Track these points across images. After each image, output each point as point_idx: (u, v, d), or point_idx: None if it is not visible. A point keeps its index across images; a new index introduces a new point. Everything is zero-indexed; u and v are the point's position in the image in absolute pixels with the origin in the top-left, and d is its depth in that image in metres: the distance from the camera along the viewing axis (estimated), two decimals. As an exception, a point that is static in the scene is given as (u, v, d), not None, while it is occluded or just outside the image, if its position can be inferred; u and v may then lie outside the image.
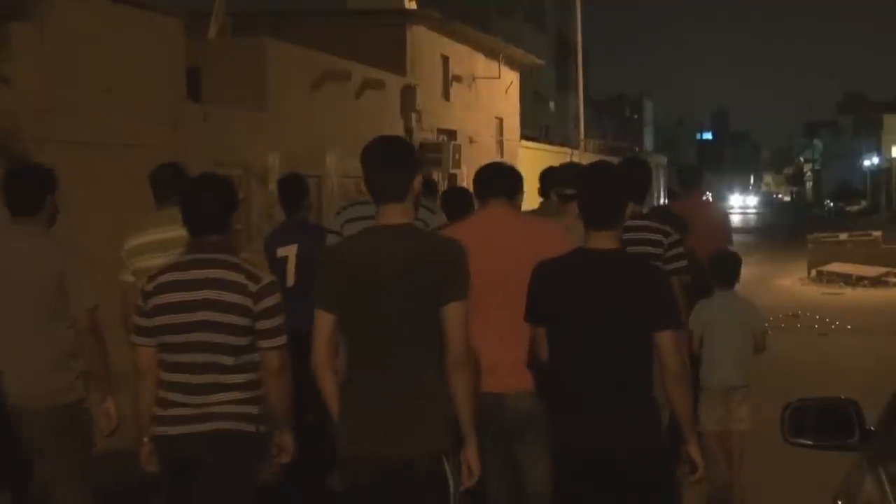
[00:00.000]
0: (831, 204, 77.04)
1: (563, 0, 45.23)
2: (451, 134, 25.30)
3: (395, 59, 22.33)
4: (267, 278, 4.59)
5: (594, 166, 4.87)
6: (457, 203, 7.38)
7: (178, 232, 5.11)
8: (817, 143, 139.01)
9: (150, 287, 4.56)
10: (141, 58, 12.55)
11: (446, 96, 25.85)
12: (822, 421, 3.69)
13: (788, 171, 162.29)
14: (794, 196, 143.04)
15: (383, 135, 4.68)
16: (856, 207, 73.04)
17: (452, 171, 23.77)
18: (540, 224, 5.67)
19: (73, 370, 5.36)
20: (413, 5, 24.44)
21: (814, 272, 24.71)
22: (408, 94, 22.02)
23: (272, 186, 13.92)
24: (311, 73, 17.95)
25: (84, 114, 11.33)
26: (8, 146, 9.97)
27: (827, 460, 4.05)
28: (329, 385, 4.28)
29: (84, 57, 11.44)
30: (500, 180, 5.42)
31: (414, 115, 22.13)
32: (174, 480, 4.61)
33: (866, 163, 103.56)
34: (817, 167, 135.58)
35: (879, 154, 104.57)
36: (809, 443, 3.74)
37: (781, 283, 24.28)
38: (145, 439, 4.66)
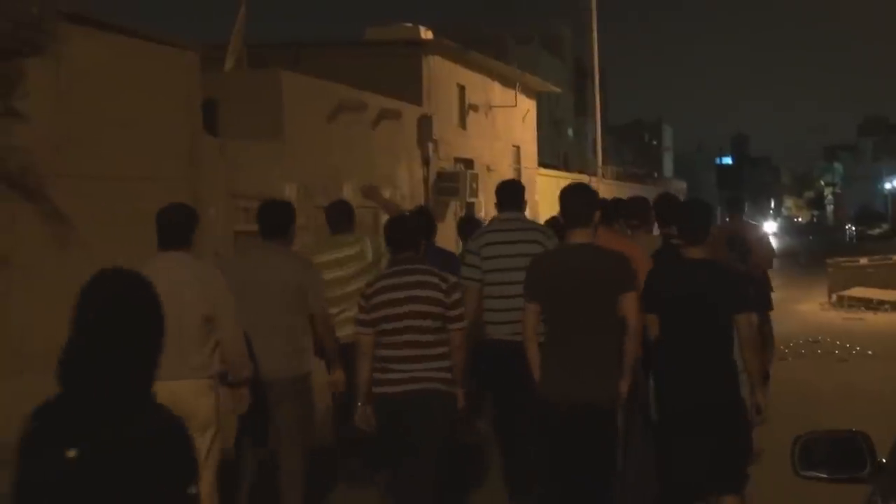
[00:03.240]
0: (853, 228, 76.21)
1: (581, 26, 45.27)
2: (469, 163, 25.29)
3: (411, 88, 22.36)
4: (452, 279, 6.35)
5: (692, 203, 7.60)
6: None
7: (345, 252, 8.01)
8: (837, 166, 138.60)
9: (370, 291, 6.29)
10: (157, 91, 12.59)
11: (463, 125, 25.86)
12: (834, 453, 3.66)
13: (809, 194, 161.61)
14: (814, 219, 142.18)
15: (573, 182, 7.13)
16: (877, 231, 72.37)
17: (470, 200, 23.64)
18: (631, 246, 7.40)
19: (306, 351, 7.08)
20: (429, 35, 24.46)
21: (834, 297, 24.54)
22: (424, 123, 22.01)
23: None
24: (327, 105, 17.98)
25: (100, 148, 11.35)
26: (24, 181, 9.99)
27: (842, 491, 4.00)
28: (534, 351, 6.23)
29: (100, 91, 11.47)
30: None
31: (430, 145, 22.07)
32: (388, 429, 6.23)
33: (887, 185, 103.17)
34: (837, 191, 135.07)
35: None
36: (822, 476, 3.71)
37: (802, 308, 24.07)
38: (360, 403, 6.34)
